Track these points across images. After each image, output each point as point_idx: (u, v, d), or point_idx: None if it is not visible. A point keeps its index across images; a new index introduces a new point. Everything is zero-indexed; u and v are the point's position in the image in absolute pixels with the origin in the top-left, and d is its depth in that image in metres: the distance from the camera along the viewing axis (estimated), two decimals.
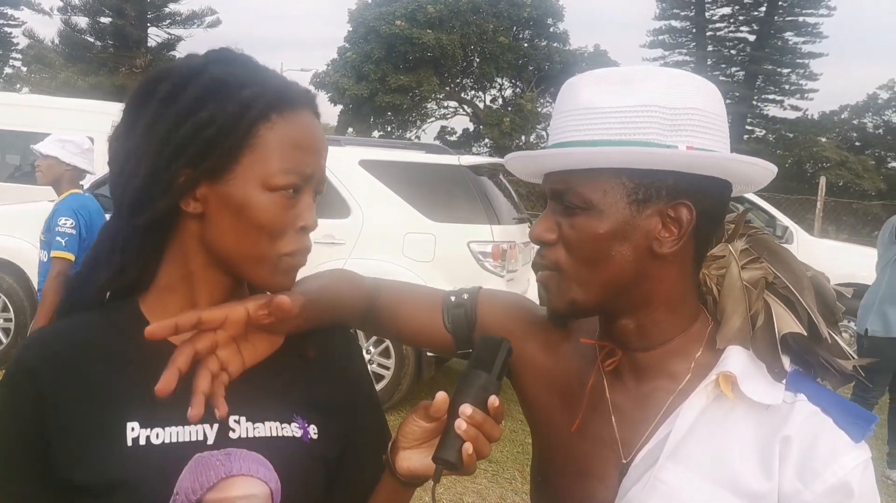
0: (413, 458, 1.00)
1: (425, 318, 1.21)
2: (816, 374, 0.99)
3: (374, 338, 5.55)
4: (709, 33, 32.68)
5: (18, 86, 28.78)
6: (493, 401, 0.95)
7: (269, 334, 1.00)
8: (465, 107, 31.54)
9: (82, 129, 8.37)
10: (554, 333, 1.15)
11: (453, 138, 31.24)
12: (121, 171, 0.97)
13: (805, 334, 0.97)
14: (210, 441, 0.95)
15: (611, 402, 1.05)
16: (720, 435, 0.96)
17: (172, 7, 29.72)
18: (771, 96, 32.76)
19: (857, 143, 32.06)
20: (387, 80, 27.05)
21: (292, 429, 1.00)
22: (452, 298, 1.22)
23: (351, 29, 28.80)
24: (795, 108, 32.85)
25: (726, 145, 0.98)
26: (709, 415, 0.97)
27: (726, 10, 32.75)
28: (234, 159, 0.93)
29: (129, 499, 0.91)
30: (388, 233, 5.62)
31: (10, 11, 31.14)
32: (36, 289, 5.99)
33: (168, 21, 30.05)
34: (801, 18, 31.26)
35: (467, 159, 6.00)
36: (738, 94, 30.66)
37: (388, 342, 5.55)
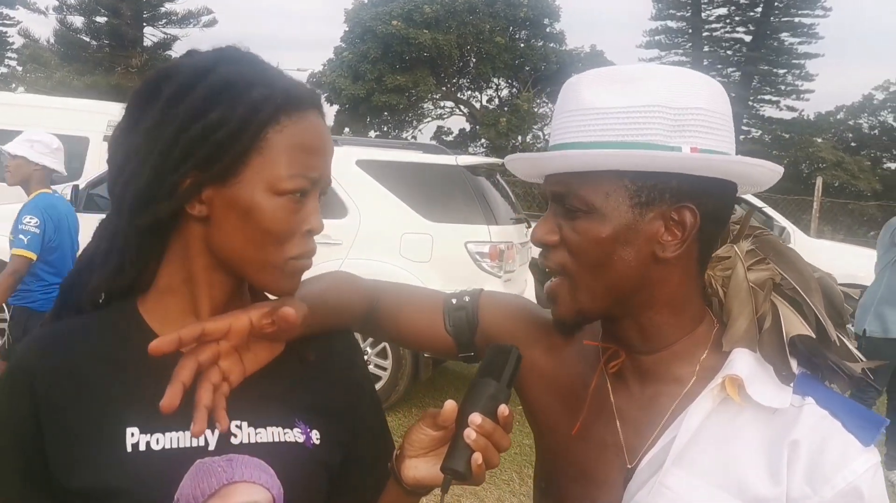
0: (420, 467, 0.98)
1: (426, 321, 1.20)
2: (824, 377, 0.98)
3: (370, 338, 5.53)
4: (705, 34, 32.66)
5: (14, 85, 28.70)
6: (503, 410, 0.94)
7: (270, 341, 0.99)
8: (462, 107, 31.52)
9: (78, 129, 8.41)
10: (557, 336, 1.13)
11: (450, 138, 31.22)
12: (121, 171, 0.94)
13: (813, 336, 0.96)
14: (211, 447, 0.93)
15: (615, 406, 1.04)
16: (727, 439, 0.94)
17: (168, 6, 29.70)
18: (767, 97, 32.76)
19: (852, 144, 32.10)
20: (383, 80, 27.01)
21: (294, 435, 0.99)
22: (453, 301, 1.20)
23: (347, 29, 28.76)
24: (791, 109, 32.88)
25: (731, 145, 0.97)
26: (715, 418, 0.95)
27: (722, 11, 32.75)
28: (243, 162, 0.91)
29: None
30: (386, 233, 5.60)
31: (5, 11, 31.04)
32: None
33: (164, 20, 30.00)
34: (796, 19, 31.25)
35: (464, 159, 5.99)
36: (733, 95, 30.40)
37: (385, 343, 5.54)
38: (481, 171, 6.10)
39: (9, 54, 32.23)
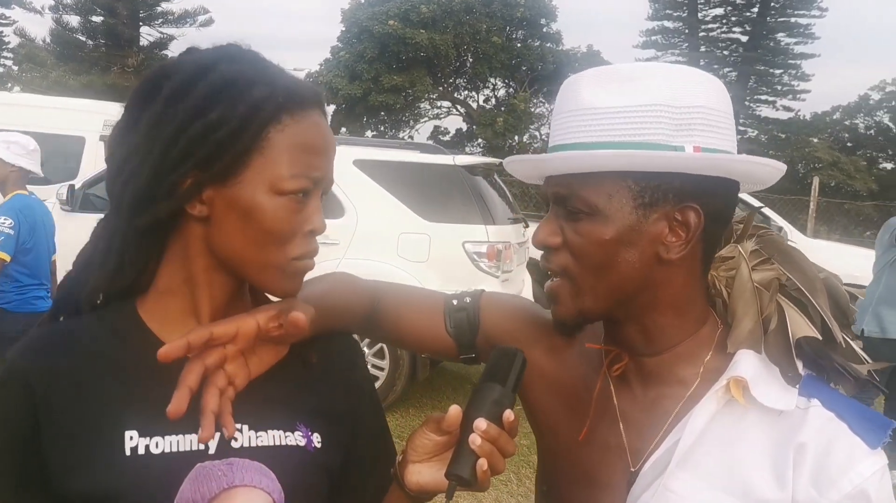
0: (423, 473, 0.97)
1: (426, 323, 1.19)
2: (830, 379, 0.97)
3: (367, 339, 5.51)
4: (701, 34, 32.67)
5: (10, 85, 28.60)
6: (509, 415, 0.92)
7: (275, 344, 0.98)
8: (459, 107, 31.49)
9: (74, 129, 8.38)
10: (559, 338, 1.12)
11: (446, 138, 31.19)
12: (120, 170, 0.93)
13: (820, 338, 0.95)
14: (211, 450, 0.92)
15: (618, 409, 1.03)
16: (731, 442, 0.93)
17: (165, 6, 29.66)
18: (763, 97, 32.79)
19: (848, 144, 32.14)
20: (380, 80, 26.97)
21: (296, 438, 0.98)
22: (454, 302, 1.19)
23: (344, 28, 28.71)
24: (788, 109, 32.91)
25: (733, 143, 0.96)
26: (719, 421, 0.94)
27: (719, 11, 32.78)
28: (244, 162, 0.90)
29: None
30: (383, 233, 5.59)
31: (1, 10, 30.98)
32: None
33: (160, 20, 29.96)
34: (793, 19, 31.27)
35: (462, 159, 5.99)
36: (730, 95, 30.46)
37: (382, 343, 5.52)
38: (479, 170, 6.09)
39: (5, 54, 32.19)
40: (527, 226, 6.73)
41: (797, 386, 0.93)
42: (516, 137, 27.70)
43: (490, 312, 1.18)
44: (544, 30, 29.90)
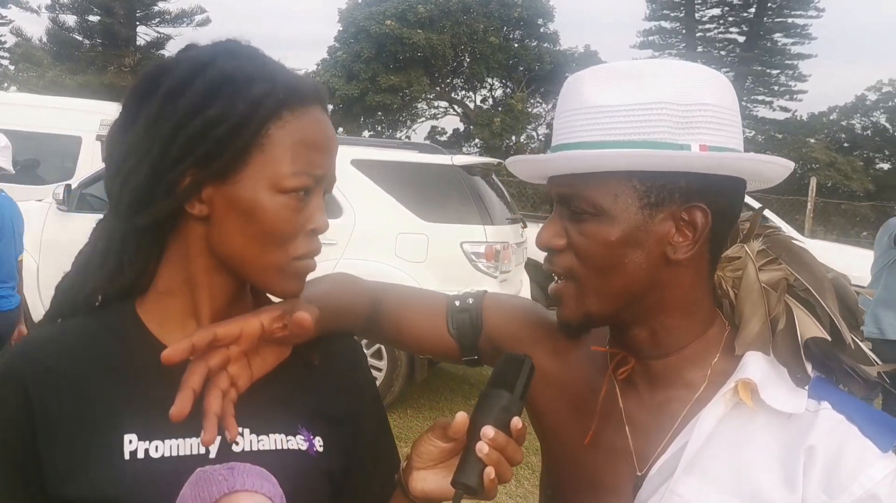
0: (428, 480, 0.95)
1: (428, 324, 1.17)
2: (839, 381, 0.95)
3: (365, 339, 5.50)
4: (698, 34, 32.70)
5: (6, 84, 28.53)
6: (516, 422, 0.90)
7: (279, 345, 0.96)
8: (456, 107, 31.48)
9: (71, 128, 8.35)
10: (563, 340, 1.11)
11: (443, 138, 31.17)
12: (119, 169, 0.91)
13: (829, 339, 0.94)
14: (212, 454, 0.91)
15: (624, 412, 1.01)
16: (740, 445, 0.92)
17: (161, 6, 29.61)
18: (760, 97, 32.82)
19: (845, 145, 32.15)
20: (377, 80, 26.94)
21: (297, 442, 0.96)
22: (457, 303, 1.18)
23: (341, 28, 28.70)
24: (785, 110, 32.93)
25: (740, 141, 0.94)
26: (727, 424, 0.93)
27: (716, 11, 32.80)
28: (244, 160, 0.88)
29: None
30: (381, 233, 5.58)
31: None
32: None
33: (157, 20, 29.90)
34: (789, 20, 31.31)
35: (460, 159, 5.98)
36: None
37: (380, 344, 5.51)
38: (477, 170, 6.08)
39: (1, 53, 32.09)
40: (525, 226, 6.72)
41: (806, 388, 0.92)
42: (513, 137, 27.70)
43: (493, 314, 1.16)
44: (541, 30, 29.91)
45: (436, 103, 31.42)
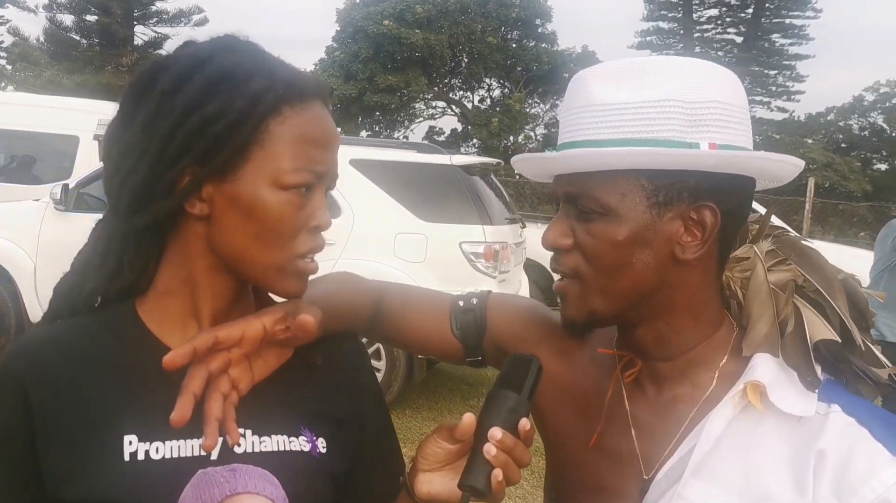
0: (434, 482, 0.93)
1: (432, 324, 1.16)
2: (849, 384, 0.94)
3: (363, 339, 5.49)
4: (696, 34, 32.74)
5: (3, 84, 28.47)
6: (524, 424, 0.89)
7: (281, 347, 0.95)
8: (454, 107, 31.50)
9: (68, 128, 8.33)
10: (568, 341, 1.09)
11: (441, 138, 31.19)
12: (117, 168, 0.90)
13: (839, 341, 0.93)
14: (214, 456, 0.89)
15: (630, 414, 1.00)
16: (749, 448, 0.91)
17: (159, 5, 29.61)
18: (758, 98, 32.82)
19: (843, 145, 32.18)
20: (375, 80, 26.96)
21: (300, 443, 0.95)
22: (461, 303, 1.16)
23: (339, 28, 28.72)
24: (782, 110, 32.99)
25: (749, 139, 0.93)
26: (736, 427, 0.91)
27: (714, 12, 32.86)
28: (243, 156, 0.87)
29: None
30: (379, 233, 5.56)
31: None
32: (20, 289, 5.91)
33: (155, 19, 29.89)
34: (787, 20, 31.37)
35: (459, 159, 5.97)
36: None
37: (378, 344, 5.49)
38: (476, 170, 6.07)
39: None
40: (524, 226, 6.71)
41: (816, 391, 0.91)
42: (511, 138, 27.72)
43: (497, 314, 1.15)
44: (539, 30, 29.94)
45: (434, 103, 31.46)
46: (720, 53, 33.03)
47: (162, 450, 0.88)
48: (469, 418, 0.89)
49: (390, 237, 5.54)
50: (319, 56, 30.03)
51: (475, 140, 28.88)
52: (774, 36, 31.96)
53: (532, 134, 29.71)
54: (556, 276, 1.00)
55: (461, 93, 31.75)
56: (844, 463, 0.86)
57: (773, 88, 32.53)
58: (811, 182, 15.05)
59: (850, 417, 0.89)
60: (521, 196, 15.11)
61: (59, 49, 29.16)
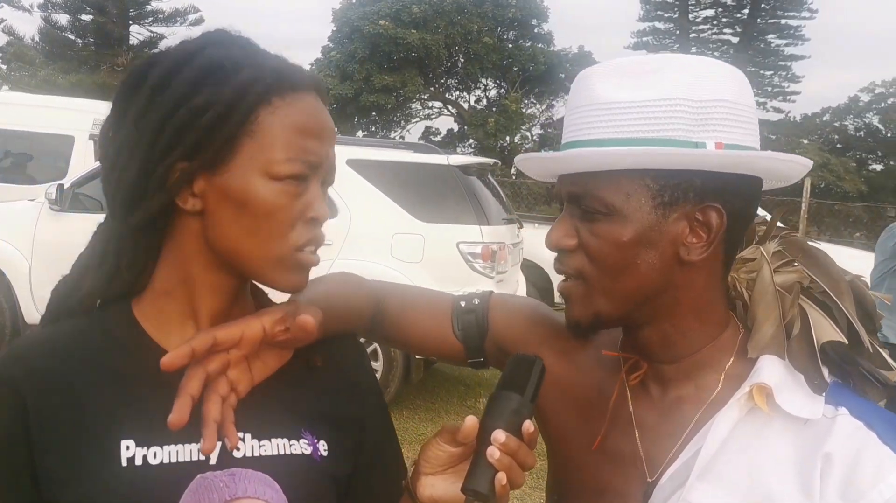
0: (437, 486, 0.92)
1: (433, 325, 1.15)
2: (856, 386, 0.93)
3: (360, 338, 5.48)
4: (692, 35, 32.80)
5: None
6: (528, 426, 0.87)
7: (280, 348, 0.93)
8: (450, 107, 31.52)
9: (63, 128, 8.31)
10: (572, 342, 1.08)
11: (438, 139, 31.22)
12: (112, 167, 0.89)
13: (846, 343, 0.91)
14: (212, 460, 0.88)
15: (634, 416, 0.99)
16: (755, 451, 0.90)
17: (155, 5, 29.57)
18: (754, 98, 32.97)
19: (838, 146, 32.30)
20: (371, 80, 26.96)
21: (301, 446, 0.93)
22: (462, 303, 1.15)
23: (335, 28, 28.73)
24: (778, 111, 33.09)
25: (756, 138, 0.92)
26: (742, 429, 0.90)
27: (710, 13, 32.94)
28: (233, 147, 0.85)
29: None
30: (376, 233, 5.55)
31: None
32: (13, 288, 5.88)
33: (150, 19, 29.83)
34: (783, 21, 31.47)
35: (456, 159, 5.96)
36: None
37: (375, 344, 5.48)
38: (473, 170, 6.06)
39: None
40: (521, 226, 6.71)
41: (823, 394, 0.90)
42: (507, 138, 27.73)
43: (499, 314, 1.14)
44: (535, 30, 29.99)
45: (430, 103, 31.47)
46: (716, 54, 33.08)
47: (160, 454, 0.87)
48: (472, 421, 0.87)
49: (387, 237, 5.53)
50: (315, 56, 29.99)
51: (471, 140, 28.91)
52: (770, 36, 32.05)
53: (528, 134, 29.78)
54: (559, 277, 0.99)
55: (457, 93, 31.79)
56: (852, 466, 0.85)
57: (769, 89, 32.61)
58: (807, 182, 15.09)
59: (857, 421, 0.88)
60: (517, 196, 15.12)
61: (55, 48, 29.09)
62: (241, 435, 0.89)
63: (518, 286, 6.47)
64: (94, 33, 28.97)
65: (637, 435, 0.98)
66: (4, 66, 30.50)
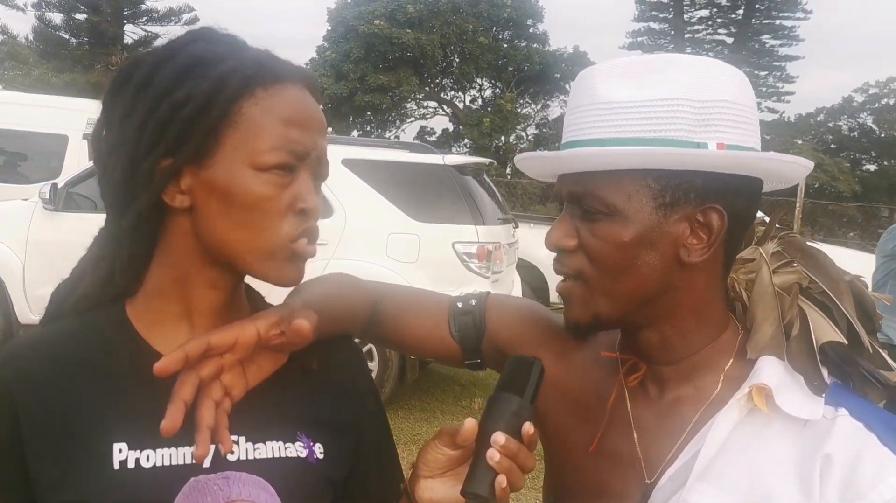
0: (436, 489, 0.91)
1: (430, 326, 1.14)
2: (856, 386, 0.92)
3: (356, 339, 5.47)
4: (687, 35, 32.84)
5: None
6: (528, 428, 0.86)
7: (275, 351, 0.92)
8: (445, 107, 31.50)
9: (57, 127, 8.28)
10: (569, 343, 1.07)
11: (433, 138, 31.18)
12: (104, 168, 0.88)
13: (846, 343, 0.91)
14: (206, 464, 0.86)
15: (632, 418, 0.98)
16: (755, 453, 0.89)
17: (149, 4, 29.45)
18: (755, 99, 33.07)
19: (832, 146, 32.38)
20: (366, 80, 26.92)
21: (296, 449, 0.92)
22: (459, 304, 1.14)
23: (330, 28, 28.68)
24: (772, 111, 33.13)
25: (757, 139, 0.91)
26: (742, 430, 0.90)
27: (704, 13, 33.00)
28: (217, 139, 0.85)
29: None
30: (372, 233, 5.54)
31: None
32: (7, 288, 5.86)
33: (144, 18, 29.73)
34: (777, 21, 31.54)
35: (452, 159, 5.95)
36: None
37: (370, 344, 5.47)
38: (468, 170, 6.05)
39: None
40: (516, 226, 6.70)
41: (823, 394, 0.89)
42: (502, 138, 27.73)
43: (496, 315, 1.13)
44: (531, 30, 29.99)
45: (425, 103, 31.46)
46: (711, 54, 33.08)
47: (153, 457, 0.86)
48: (471, 423, 0.86)
49: (383, 237, 5.52)
50: (310, 56, 29.93)
51: (466, 140, 28.90)
52: (765, 37, 32.12)
53: (523, 134, 29.75)
54: (555, 277, 0.98)
55: (452, 93, 31.78)
56: (852, 467, 0.84)
57: (764, 89, 32.65)
58: (801, 182, 15.11)
59: (857, 422, 0.87)
60: (512, 196, 15.12)
61: (48, 47, 29.00)
62: (235, 438, 0.88)
63: (513, 286, 6.46)
64: (89, 32, 28.88)
65: (635, 436, 0.97)
66: None
